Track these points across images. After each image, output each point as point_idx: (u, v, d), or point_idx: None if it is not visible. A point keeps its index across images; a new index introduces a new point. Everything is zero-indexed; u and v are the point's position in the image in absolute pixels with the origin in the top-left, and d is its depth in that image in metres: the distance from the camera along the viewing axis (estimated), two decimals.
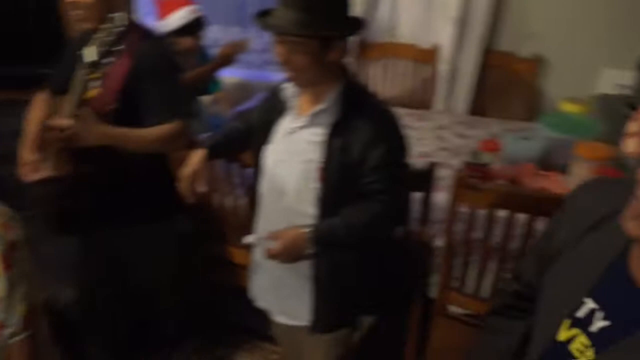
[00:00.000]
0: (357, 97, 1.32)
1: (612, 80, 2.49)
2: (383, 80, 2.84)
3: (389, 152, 1.27)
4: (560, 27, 2.54)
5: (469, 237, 1.62)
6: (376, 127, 1.27)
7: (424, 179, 1.62)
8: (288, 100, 1.38)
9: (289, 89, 1.37)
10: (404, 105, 2.69)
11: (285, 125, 1.38)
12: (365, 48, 2.79)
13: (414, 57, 2.75)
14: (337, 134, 1.28)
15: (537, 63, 2.62)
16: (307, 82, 1.30)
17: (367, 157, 1.26)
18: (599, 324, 0.73)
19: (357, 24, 1.28)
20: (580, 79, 2.51)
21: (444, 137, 2.36)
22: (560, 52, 2.59)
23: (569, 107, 2.33)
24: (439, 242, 1.70)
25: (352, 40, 2.65)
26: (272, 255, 1.28)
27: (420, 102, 2.78)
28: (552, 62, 2.63)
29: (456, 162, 2.08)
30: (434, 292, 1.79)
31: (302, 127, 1.33)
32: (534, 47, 2.62)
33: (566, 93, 2.44)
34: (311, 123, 1.32)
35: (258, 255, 1.50)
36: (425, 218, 1.71)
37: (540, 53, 2.61)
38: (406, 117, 2.49)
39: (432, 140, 2.33)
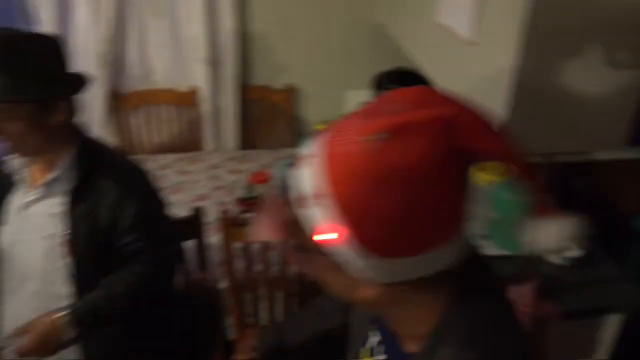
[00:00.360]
0: (96, 158, 1.23)
1: (356, 100, 2.80)
2: (147, 128, 2.74)
3: (141, 209, 1.20)
4: (306, 58, 2.78)
5: (251, 272, 1.63)
6: (122, 186, 1.20)
7: (192, 225, 1.59)
8: (15, 172, 1.22)
9: (15, 161, 1.22)
10: (175, 150, 2.64)
11: (16, 201, 1.22)
12: (120, 99, 2.66)
13: (175, 101, 2.72)
14: (79, 200, 1.18)
15: (290, 92, 2.82)
16: (31, 150, 1.17)
17: (118, 219, 1.18)
18: (380, 356, 0.75)
19: (79, 81, 1.19)
20: (329, 102, 2.78)
21: (218, 176, 2.36)
22: (309, 80, 2.83)
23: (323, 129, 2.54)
24: (224, 283, 1.67)
25: (99, 94, 2.53)
26: (24, 354, 1.10)
27: (191, 144, 2.75)
28: (304, 90, 2.85)
29: (231, 199, 2.10)
30: (232, 333, 1.76)
31: (36, 200, 1.20)
32: (286, 78, 2.81)
33: (319, 116, 2.66)
34: (46, 194, 1.19)
35: (10, 357, 1.28)
36: (204, 263, 1.67)
37: (292, 83, 2.82)
38: (178, 162, 2.45)
39: (207, 181, 2.31)
